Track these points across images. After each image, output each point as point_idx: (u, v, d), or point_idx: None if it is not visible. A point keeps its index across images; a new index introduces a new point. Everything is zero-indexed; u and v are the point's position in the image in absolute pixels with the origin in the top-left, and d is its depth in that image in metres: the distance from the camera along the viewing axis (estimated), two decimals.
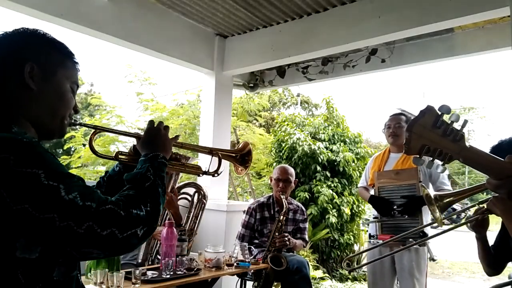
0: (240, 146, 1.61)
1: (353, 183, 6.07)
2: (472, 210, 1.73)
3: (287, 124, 6.41)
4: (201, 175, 1.42)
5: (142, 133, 1.19)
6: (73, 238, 0.77)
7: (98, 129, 1.28)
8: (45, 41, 0.95)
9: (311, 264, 4.36)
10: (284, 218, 2.86)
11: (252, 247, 2.97)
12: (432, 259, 2.52)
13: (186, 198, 2.97)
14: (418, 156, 0.79)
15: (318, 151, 5.78)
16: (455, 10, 2.74)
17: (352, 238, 5.95)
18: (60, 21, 2.85)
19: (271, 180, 3.20)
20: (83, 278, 1.93)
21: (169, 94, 8.00)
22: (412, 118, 0.79)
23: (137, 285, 1.88)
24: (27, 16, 2.76)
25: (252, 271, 2.71)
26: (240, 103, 7.23)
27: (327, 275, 5.33)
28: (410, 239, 2.30)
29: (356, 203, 6.04)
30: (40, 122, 0.93)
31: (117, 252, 0.84)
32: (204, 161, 1.55)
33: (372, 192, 2.92)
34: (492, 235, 1.77)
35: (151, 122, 1.19)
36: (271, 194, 3.22)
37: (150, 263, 2.56)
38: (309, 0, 3.26)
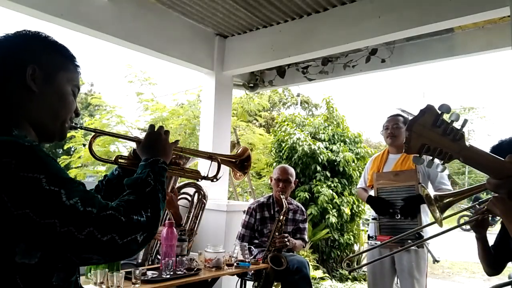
0: (239, 151, 1.61)
1: (353, 183, 6.07)
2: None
3: (287, 124, 6.41)
4: (200, 180, 1.42)
5: (142, 137, 1.19)
6: (74, 243, 0.77)
7: (98, 133, 1.28)
8: (47, 44, 0.95)
9: (311, 264, 4.36)
10: (284, 218, 2.86)
11: (252, 247, 2.98)
12: (436, 261, 2.52)
13: (186, 198, 2.97)
14: (418, 155, 0.79)
15: (318, 151, 5.78)
16: (455, 10, 2.74)
17: (352, 238, 5.95)
18: (60, 21, 2.85)
19: (271, 180, 3.20)
20: (83, 278, 1.93)
21: (169, 94, 7.99)
22: (412, 117, 0.79)
23: (137, 285, 1.88)
24: (27, 16, 2.76)
25: (252, 271, 2.71)
26: (240, 103, 7.22)
27: (327, 275, 5.33)
28: (409, 240, 2.31)
29: (356, 203, 6.03)
30: (41, 124, 0.93)
31: (117, 257, 0.84)
32: (203, 163, 1.55)
33: (371, 193, 2.92)
34: (492, 235, 1.77)
35: (151, 127, 1.19)
36: (271, 194, 3.22)
37: (150, 263, 2.56)
38: (309, 0, 3.26)
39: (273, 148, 6.56)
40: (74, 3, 2.91)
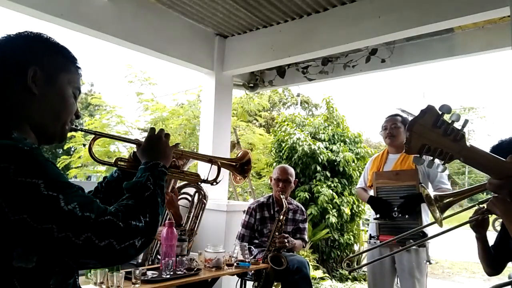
0: (239, 155, 1.61)
1: (353, 183, 6.07)
2: None
3: (287, 124, 6.41)
4: (200, 183, 1.42)
5: (142, 140, 1.18)
6: (71, 248, 0.77)
7: (98, 135, 1.28)
8: (48, 46, 0.94)
9: (311, 264, 4.36)
10: (284, 218, 2.86)
11: (252, 247, 2.98)
12: (428, 262, 2.52)
13: (186, 198, 2.97)
14: (418, 155, 0.79)
15: (318, 151, 5.78)
16: (455, 10, 2.74)
17: (352, 238, 5.95)
18: (60, 21, 2.85)
19: (271, 180, 3.20)
20: (83, 278, 1.93)
21: (169, 94, 7.99)
22: (412, 117, 0.79)
23: (137, 285, 1.88)
24: (27, 16, 2.76)
25: (252, 271, 2.71)
26: (240, 103, 7.22)
27: (327, 275, 5.33)
28: (411, 240, 2.30)
29: (356, 203, 6.04)
30: (41, 126, 0.93)
31: (115, 262, 0.84)
32: (203, 164, 1.56)
33: (371, 193, 2.91)
34: (492, 235, 1.77)
35: (152, 130, 1.18)
36: (271, 194, 3.22)
37: (150, 263, 2.56)
38: (309, 0, 3.26)
39: (273, 148, 6.56)
40: (74, 3, 2.91)
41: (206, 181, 1.39)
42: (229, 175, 4.34)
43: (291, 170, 3.15)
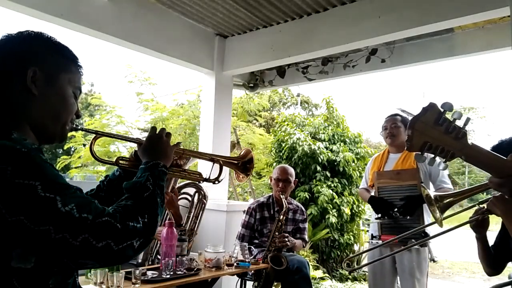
0: (242, 153, 1.60)
1: (353, 183, 6.07)
2: None
3: (287, 124, 6.41)
4: (201, 182, 1.41)
5: (143, 139, 1.18)
6: (68, 249, 0.77)
7: (99, 134, 1.28)
8: (49, 45, 0.94)
9: (311, 264, 4.36)
10: (284, 218, 2.86)
11: (252, 247, 2.97)
12: (433, 260, 2.52)
13: (186, 198, 2.97)
14: (420, 153, 0.79)
15: (318, 151, 5.78)
16: (455, 10, 2.74)
17: (352, 238, 5.95)
18: (60, 21, 2.85)
19: (271, 180, 3.20)
20: (83, 278, 1.93)
21: (169, 94, 7.99)
22: (414, 115, 0.79)
23: (137, 285, 1.88)
24: (27, 16, 2.76)
25: (252, 271, 2.71)
26: (240, 103, 7.22)
27: (327, 275, 5.33)
28: (413, 240, 2.30)
29: (356, 203, 6.04)
30: (41, 127, 0.92)
31: (113, 263, 0.84)
32: (204, 164, 1.55)
33: (372, 193, 2.91)
34: (492, 235, 1.77)
35: (153, 129, 1.18)
36: (271, 194, 3.22)
37: (150, 263, 2.56)
38: (309, 0, 3.26)
39: (273, 148, 6.56)
40: (74, 3, 2.91)
41: (208, 180, 1.38)
42: (229, 175, 4.35)
43: (291, 170, 3.15)
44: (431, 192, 1.78)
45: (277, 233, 2.80)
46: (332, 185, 5.80)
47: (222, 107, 4.13)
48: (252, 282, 2.81)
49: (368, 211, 6.63)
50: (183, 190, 2.98)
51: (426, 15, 2.85)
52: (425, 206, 2.57)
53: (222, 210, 3.64)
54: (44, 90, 0.90)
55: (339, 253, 5.81)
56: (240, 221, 3.18)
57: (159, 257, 2.50)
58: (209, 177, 1.38)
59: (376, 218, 2.76)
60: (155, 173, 1.01)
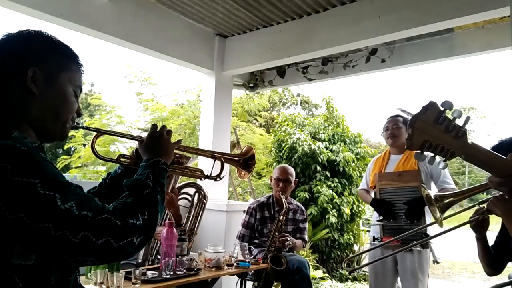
0: (243, 150, 1.60)
1: (353, 183, 6.07)
2: None
3: (287, 124, 6.41)
4: (203, 179, 1.41)
5: (145, 136, 1.18)
6: (68, 246, 0.77)
7: (101, 132, 1.28)
8: (49, 44, 0.94)
9: (311, 264, 4.36)
10: (284, 218, 2.86)
11: (252, 247, 2.97)
12: (436, 262, 2.51)
13: (186, 198, 2.97)
14: (420, 151, 0.79)
15: (318, 151, 5.78)
16: (455, 10, 2.74)
17: (352, 238, 5.95)
18: (60, 21, 2.85)
19: (271, 180, 3.20)
20: (83, 278, 1.93)
21: (169, 94, 7.99)
22: (414, 113, 0.78)
23: (137, 285, 1.88)
24: (27, 16, 2.76)
25: (252, 271, 2.70)
26: (240, 103, 7.23)
27: (327, 275, 5.33)
28: (414, 241, 2.29)
29: (356, 203, 6.04)
30: (42, 125, 0.93)
31: (113, 259, 0.84)
32: (204, 162, 1.55)
33: (373, 194, 2.91)
34: (492, 235, 1.77)
35: (154, 127, 1.18)
36: (271, 194, 3.22)
37: (150, 263, 2.56)
38: (309, 0, 3.26)
39: (273, 148, 6.56)
40: (74, 3, 2.91)
41: (209, 177, 1.38)
42: (229, 175, 4.35)
43: (292, 170, 3.15)
44: (431, 192, 1.78)
45: (277, 233, 2.80)
46: (332, 185, 5.80)
47: (222, 107, 4.13)
48: (252, 282, 2.81)
49: (368, 211, 6.64)
50: (183, 190, 2.98)
51: (426, 15, 2.85)
52: (426, 207, 2.56)
53: (222, 210, 3.64)
54: (44, 90, 0.91)
55: (339, 253, 5.81)
56: (240, 221, 3.18)
57: (159, 257, 2.50)
58: (211, 174, 1.37)
59: (378, 220, 2.75)
60: (156, 171, 1.02)
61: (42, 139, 0.95)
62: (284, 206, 2.86)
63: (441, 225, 1.67)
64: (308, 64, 4.31)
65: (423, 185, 2.29)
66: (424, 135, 0.77)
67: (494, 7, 2.58)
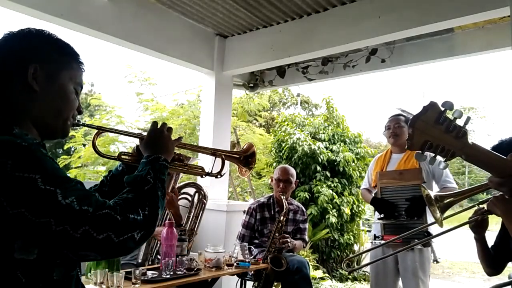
0: (244, 147, 1.60)
1: (353, 183, 6.07)
2: None
3: (287, 124, 6.41)
4: (204, 176, 1.41)
5: (145, 134, 1.19)
6: (70, 241, 0.78)
7: (102, 130, 1.28)
8: (50, 42, 0.95)
9: (311, 264, 4.36)
10: (284, 218, 2.86)
11: (252, 247, 2.97)
12: (436, 261, 2.51)
13: (186, 198, 2.97)
14: (420, 151, 0.79)
15: (318, 151, 5.78)
16: (455, 10, 2.74)
17: (352, 238, 5.95)
18: (60, 21, 2.85)
19: (271, 180, 3.20)
20: (83, 278, 1.93)
21: (169, 94, 8.00)
22: (415, 114, 0.78)
23: (137, 285, 1.88)
24: (27, 16, 2.76)
25: (252, 271, 2.70)
26: (240, 103, 7.23)
27: (327, 275, 5.33)
28: (415, 240, 2.29)
29: (356, 203, 6.04)
30: (43, 123, 0.93)
31: (114, 255, 0.85)
32: (204, 162, 1.55)
33: (374, 193, 2.90)
34: (492, 235, 1.77)
35: (154, 124, 1.19)
36: (271, 194, 3.22)
37: (150, 263, 2.56)
38: (309, 0, 3.26)
39: (273, 148, 6.56)
40: (74, 3, 2.91)
41: (210, 174, 1.38)
42: (229, 175, 4.35)
43: (292, 171, 3.14)
44: (431, 192, 1.78)
45: (277, 234, 2.80)
46: (332, 185, 5.80)
47: (222, 107, 4.13)
48: (252, 282, 2.81)
49: (368, 211, 6.64)
50: (183, 190, 2.98)
51: (426, 15, 2.85)
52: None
53: (222, 210, 3.64)
54: (45, 87, 0.91)
55: (339, 253, 5.81)
56: (240, 221, 3.18)
57: (159, 257, 2.49)
58: (212, 171, 1.37)
59: (379, 219, 2.75)
60: (156, 167, 1.02)
61: (44, 137, 0.96)
62: (285, 206, 2.86)
63: (441, 225, 1.67)
64: (308, 64, 4.31)
65: (423, 185, 2.29)
66: (425, 135, 0.77)
67: (494, 7, 2.58)
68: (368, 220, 7.77)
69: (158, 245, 2.59)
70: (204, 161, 1.60)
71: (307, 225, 3.24)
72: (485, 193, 1.79)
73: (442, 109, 0.77)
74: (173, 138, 1.20)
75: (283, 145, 6.15)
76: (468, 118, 0.78)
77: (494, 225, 1.76)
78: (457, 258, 7.89)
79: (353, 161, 6.03)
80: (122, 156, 1.24)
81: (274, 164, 6.23)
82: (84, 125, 1.21)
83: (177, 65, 3.93)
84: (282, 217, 2.83)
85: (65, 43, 0.98)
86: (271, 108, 15.97)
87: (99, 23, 3.05)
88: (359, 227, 6.39)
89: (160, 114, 7.10)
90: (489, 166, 0.84)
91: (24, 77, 0.89)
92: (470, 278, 6.66)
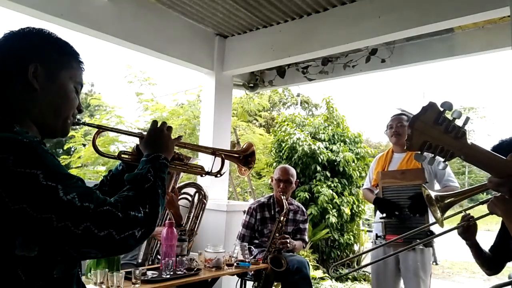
0: (244, 147, 1.60)
1: (353, 183, 6.07)
2: None
3: (287, 124, 6.42)
4: (203, 175, 1.41)
5: (145, 133, 1.19)
6: (71, 238, 0.78)
7: (102, 129, 1.28)
8: (50, 41, 0.95)
9: (311, 264, 4.36)
10: (285, 218, 2.85)
11: (252, 247, 2.97)
12: (435, 262, 2.51)
13: (186, 198, 2.97)
14: (419, 152, 0.79)
15: (318, 151, 5.78)
16: (455, 10, 2.74)
17: (352, 238, 5.95)
18: (60, 21, 2.85)
19: (272, 180, 3.19)
20: (83, 278, 1.93)
21: (169, 94, 8.01)
22: (414, 114, 0.78)
23: (137, 285, 1.87)
24: (27, 16, 2.76)
25: (252, 271, 2.70)
26: (240, 103, 7.23)
27: (327, 275, 5.33)
28: (417, 239, 2.29)
29: (356, 203, 6.04)
30: (43, 121, 0.94)
31: (115, 252, 0.85)
32: (204, 161, 1.55)
33: (376, 192, 2.90)
34: (492, 235, 1.77)
35: (154, 123, 1.19)
36: (271, 194, 3.21)
37: (150, 263, 2.56)
38: (309, 0, 3.26)
39: (273, 148, 6.56)
40: (74, 3, 2.91)
41: (210, 173, 1.38)
42: (229, 175, 4.35)
43: (293, 171, 3.14)
44: (432, 192, 1.78)
45: (277, 234, 2.79)
46: (332, 185, 5.80)
47: (222, 107, 4.13)
48: (252, 282, 2.81)
49: (368, 211, 6.64)
50: (183, 190, 2.98)
51: (426, 15, 2.85)
52: None
53: (222, 210, 3.64)
54: (45, 85, 0.92)
55: (339, 253, 5.81)
56: (240, 221, 3.18)
57: (159, 257, 2.49)
58: (211, 170, 1.37)
59: (381, 218, 2.74)
60: (156, 165, 1.03)
61: (44, 135, 0.96)
62: (285, 207, 2.86)
63: (441, 225, 1.67)
64: (308, 64, 4.31)
65: (424, 185, 2.29)
66: (424, 136, 0.77)
67: (494, 7, 2.58)
68: (368, 220, 7.77)
69: (158, 245, 2.59)
70: (204, 160, 1.60)
71: (307, 225, 3.24)
72: (485, 193, 1.79)
73: (441, 109, 0.77)
74: (173, 137, 1.21)
75: (283, 145, 6.15)
76: (467, 119, 0.78)
77: (494, 225, 1.76)
78: (457, 258, 7.88)
79: (353, 161, 6.03)
80: (122, 155, 1.24)
81: (274, 164, 6.23)
82: (84, 124, 1.21)
83: (177, 65, 3.93)
84: (282, 217, 2.83)
85: (65, 42, 0.98)
86: (271, 108, 15.97)
87: (99, 23, 3.05)
88: (359, 227, 6.39)
89: (160, 114, 7.10)
90: (488, 166, 0.84)
91: (24, 76, 0.89)
92: (470, 278, 6.66)
